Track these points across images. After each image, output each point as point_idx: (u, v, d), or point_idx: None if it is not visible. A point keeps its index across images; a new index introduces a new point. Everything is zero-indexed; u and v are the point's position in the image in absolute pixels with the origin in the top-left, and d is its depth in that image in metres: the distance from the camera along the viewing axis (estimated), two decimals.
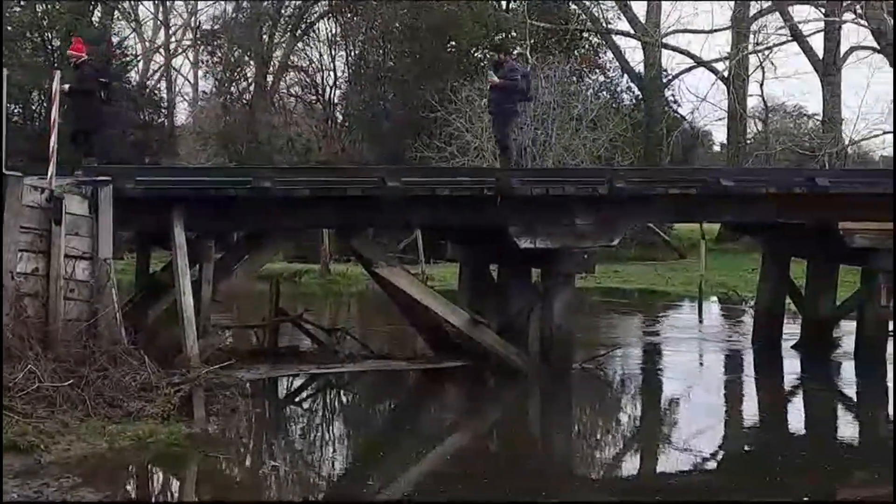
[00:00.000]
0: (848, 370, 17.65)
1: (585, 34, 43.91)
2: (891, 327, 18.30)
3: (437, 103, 35.89)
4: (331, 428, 14.25)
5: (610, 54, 45.77)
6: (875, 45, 38.31)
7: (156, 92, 48.91)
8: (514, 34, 39.98)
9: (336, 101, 45.45)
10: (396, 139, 38.78)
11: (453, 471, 11.51)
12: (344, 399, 16.17)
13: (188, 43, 51.94)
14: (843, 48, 42.63)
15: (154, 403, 11.92)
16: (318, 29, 45.88)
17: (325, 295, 29.20)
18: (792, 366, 18.35)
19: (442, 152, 34.96)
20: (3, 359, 11.43)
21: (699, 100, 45.11)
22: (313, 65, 45.92)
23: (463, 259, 18.08)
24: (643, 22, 44.16)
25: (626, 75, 46.07)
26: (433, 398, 15.96)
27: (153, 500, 10.27)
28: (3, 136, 12.31)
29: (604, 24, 44.80)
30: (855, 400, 16.18)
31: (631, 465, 12.75)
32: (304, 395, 15.98)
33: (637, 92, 46.17)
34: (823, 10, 41.03)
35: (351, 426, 14.25)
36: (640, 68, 45.36)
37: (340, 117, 45.51)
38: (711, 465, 12.14)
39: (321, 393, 16.11)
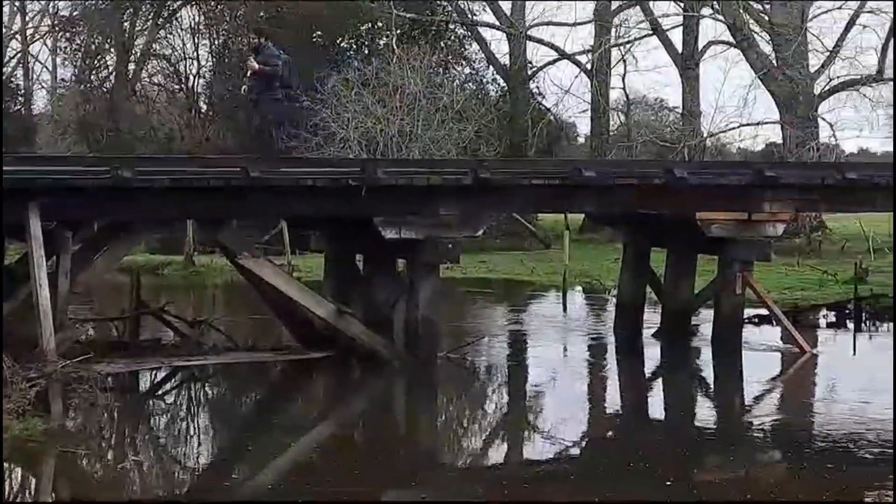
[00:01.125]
0: (706, 357, 18.11)
1: (451, 25, 44.06)
2: (745, 315, 18.89)
3: (303, 93, 35.60)
4: (195, 421, 14.09)
5: (476, 46, 46.06)
6: (731, 39, 39.23)
7: (12, 80, 47.54)
8: (380, 24, 39.97)
9: (200, 90, 44.82)
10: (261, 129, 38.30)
11: (320, 462, 11.49)
12: (208, 392, 15.98)
13: (46, 29, 50.60)
14: (702, 42, 43.65)
15: (9, 399, 11.62)
16: (181, 17, 45.15)
17: (188, 287, 28.78)
18: (652, 353, 18.74)
19: (307, 142, 34.73)
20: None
21: (563, 92, 45.50)
22: (176, 53, 45.22)
23: (328, 250, 18.01)
24: (508, 14, 44.52)
25: (491, 67, 46.42)
26: (299, 389, 15.91)
27: (8, 497, 10.00)
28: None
29: (469, 16, 45.05)
30: (712, 386, 16.61)
31: (497, 454, 12.86)
32: (166, 388, 15.74)
33: (503, 84, 46.55)
34: (682, 5, 41.90)
35: (216, 419, 14.10)
36: (505, 60, 45.75)
37: (204, 107, 44.88)
38: (575, 452, 12.33)
39: (184, 386, 15.88)
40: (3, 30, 40.85)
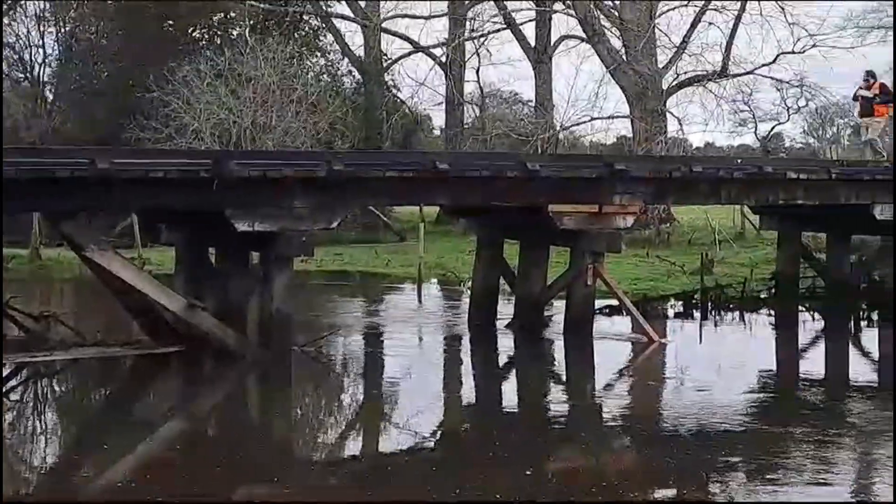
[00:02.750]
0: (558, 347, 18.38)
1: (306, 17, 43.79)
2: (596, 305, 19.25)
3: (154, 83, 34.98)
4: (42, 418, 13.70)
5: (330, 38, 45.86)
6: (583, 34, 39.82)
7: None
8: (233, 14, 39.47)
9: (46, 79, 43.61)
10: (111, 120, 37.60)
11: (173, 458, 11.31)
12: (56, 388, 15.59)
13: None
14: (554, 37, 44.20)
15: None
16: (26, 5, 43.85)
17: (35, 281, 27.97)
18: (506, 344, 18.94)
19: (159, 133, 34.14)
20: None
21: (418, 85, 45.66)
22: (21, 41, 43.90)
23: (180, 243, 17.68)
24: (363, 7, 44.43)
25: (346, 59, 46.30)
26: (150, 385, 15.62)
27: None
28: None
29: (324, 8, 44.82)
30: (564, 376, 16.87)
31: (353, 446, 12.85)
32: (11, 385, 15.27)
33: (357, 76, 46.48)
34: (535, 0, 42.39)
35: (63, 416, 13.76)
36: (360, 52, 45.66)
37: (51, 96, 43.70)
38: (432, 443, 12.39)
39: (30, 382, 15.43)
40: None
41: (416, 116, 51.81)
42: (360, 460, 11.76)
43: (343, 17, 45.73)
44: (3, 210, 13.95)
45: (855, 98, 24.94)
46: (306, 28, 44.13)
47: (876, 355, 18.83)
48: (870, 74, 24.87)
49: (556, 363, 17.88)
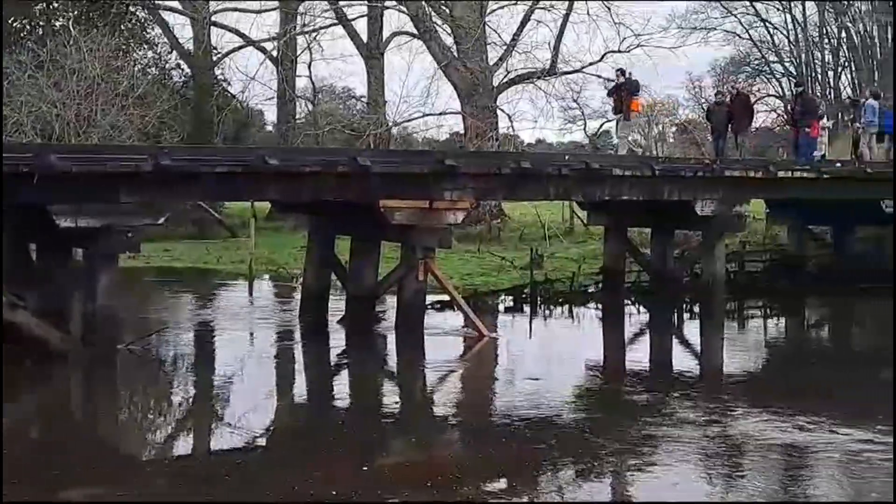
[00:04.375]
0: (390, 342, 18.42)
1: (132, 8, 42.79)
2: (428, 301, 19.38)
3: None
4: None
5: (158, 30, 44.95)
6: (414, 31, 39.98)
7: None
8: (55, 4, 38.32)
9: None
10: None
11: None
12: None
13: None
14: (386, 33, 44.26)
15: None
16: None
17: None
18: (338, 340, 18.88)
19: None
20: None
21: (249, 79, 45.07)
22: None
23: None
24: None
25: (175, 52, 45.44)
26: None
27: None
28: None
29: None
30: (395, 371, 16.91)
31: (183, 445, 12.61)
32: None
33: (187, 69, 45.66)
34: None
35: None
36: (189, 45, 44.87)
37: None
38: (266, 441, 12.25)
39: None
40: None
41: (248, 111, 51.19)
42: (192, 460, 11.54)
43: (171, 10, 44.90)
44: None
45: (609, 94, 25.68)
46: (133, 20, 43.08)
47: (697, 347, 19.46)
48: (620, 72, 25.80)
49: (387, 358, 17.90)
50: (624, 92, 24.65)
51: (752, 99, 33.13)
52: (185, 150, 21.48)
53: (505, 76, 39.98)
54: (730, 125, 26.10)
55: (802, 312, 24.42)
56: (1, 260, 16.41)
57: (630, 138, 24.83)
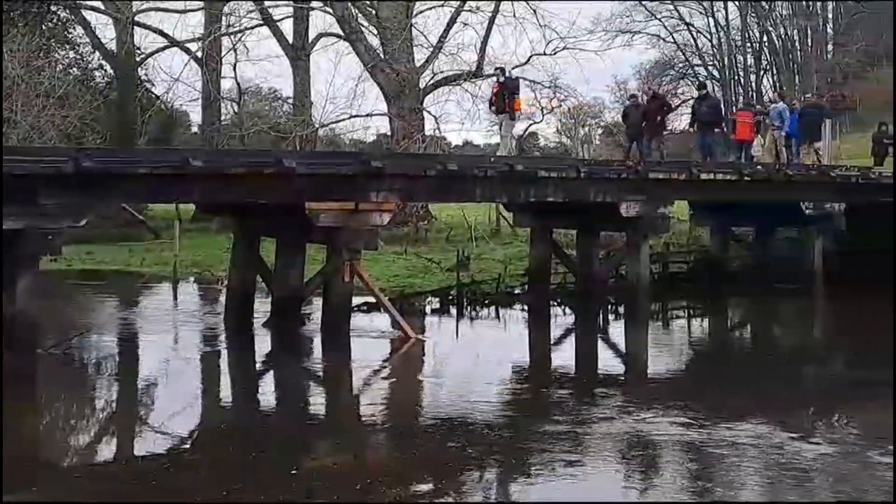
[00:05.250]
0: (316, 344, 18.35)
1: (53, 7, 42.20)
2: (354, 303, 19.34)
3: None
4: None
5: (80, 30, 44.36)
6: (341, 32, 39.88)
7: None
8: None
9: None
10: None
11: None
12: None
13: None
14: (312, 34, 44.10)
15: None
16: None
17: None
18: (263, 343, 18.77)
19: None
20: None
21: (173, 80, 44.65)
22: None
23: None
24: None
25: (97, 52, 44.88)
26: None
27: None
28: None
29: None
30: (321, 373, 16.85)
31: (107, 450, 12.44)
32: None
33: (109, 70, 45.14)
34: None
35: None
36: (112, 46, 44.34)
37: None
38: (191, 444, 12.15)
39: None
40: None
41: (172, 112, 50.73)
42: (117, 465, 11.38)
43: (93, 10, 44.33)
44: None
45: (493, 97, 25.70)
46: (54, 20, 42.52)
47: (623, 347, 19.63)
48: (500, 71, 26.04)
49: (313, 361, 17.82)
50: (506, 91, 24.55)
51: (673, 101, 33.52)
52: (108, 151, 21.24)
53: (431, 78, 40.05)
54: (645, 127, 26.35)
55: (725, 312, 24.76)
56: None
57: (511, 138, 24.66)
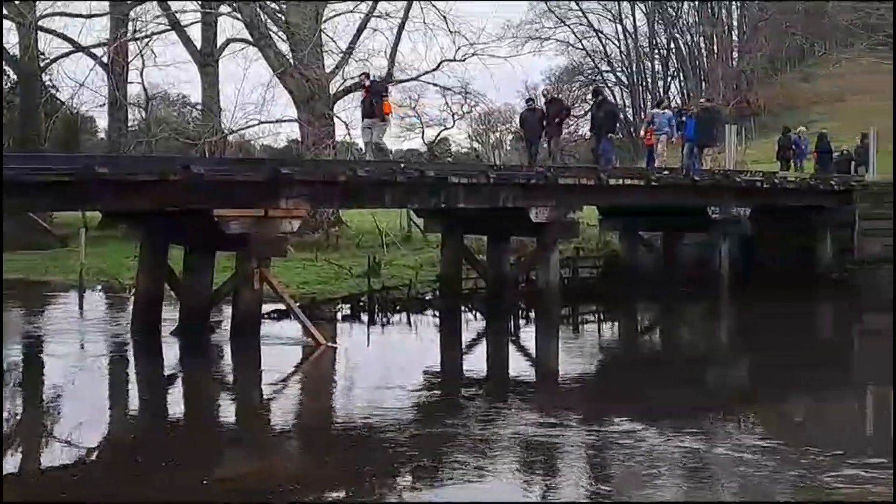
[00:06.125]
0: (226, 352, 18.20)
1: None
2: (264, 310, 19.22)
3: None
4: None
5: None
6: (249, 37, 39.61)
7: None
8: None
9: None
10: None
11: None
12: None
13: None
14: (221, 39, 43.72)
15: None
16: None
17: None
18: (172, 352, 18.54)
19: None
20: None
21: (78, 85, 43.97)
22: None
23: None
24: (17, 4, 42.36)
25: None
26: None
27: None
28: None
29: None
30: (231, 382, 16.71)
31: (11, 462, 12.16)
32: None
33: (13, 75, 44.34)
34: (200, 2, 41.80)
35: None
36: (15, 51, 43.57)
37: None
38: (96, 456, 11.95)
39: None
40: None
41: (78, 118, 49.96)
42: (20, 477, 11.16)
43: None
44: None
45: (361, 102, 25.54)
46: None
47: (533, 352, 19.77)
48: (365, 76, 26.10)
49: (223, 369, 17.68)
50: (374, 95, 24.41)
51: (583, 106, 33.58)
52: (11, 158, 20.84)
53: (342, 84, 39.96)
54: (544, 131, 26.44)
55: (633, 317, 25.06)
56: None
57: (374, 140, 24.45)
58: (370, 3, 39.68)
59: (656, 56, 76.07)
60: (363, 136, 25.10)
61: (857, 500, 9.95)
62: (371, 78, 25.85)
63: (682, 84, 73.89)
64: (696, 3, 71.31)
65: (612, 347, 21.11)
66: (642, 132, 28.44)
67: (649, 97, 71.46)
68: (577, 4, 73.28)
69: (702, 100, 34.03)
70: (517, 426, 12.61)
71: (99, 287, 28.15)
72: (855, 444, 11.82)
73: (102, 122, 54.03)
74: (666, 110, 29.09)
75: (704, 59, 72.01)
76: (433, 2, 41.84)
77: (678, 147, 28.96)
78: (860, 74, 54.02)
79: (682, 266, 27.29)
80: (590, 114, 27.55)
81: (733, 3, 72.66)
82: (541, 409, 13.56)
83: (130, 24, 43.50)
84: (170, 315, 19.73)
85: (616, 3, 73.63)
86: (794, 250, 27.98)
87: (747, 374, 17.55)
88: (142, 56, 46.24)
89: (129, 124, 47.98)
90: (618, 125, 29.48)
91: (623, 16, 74.49)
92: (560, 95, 42.16)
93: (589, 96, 69.74)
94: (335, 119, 39.54)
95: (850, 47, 47.82)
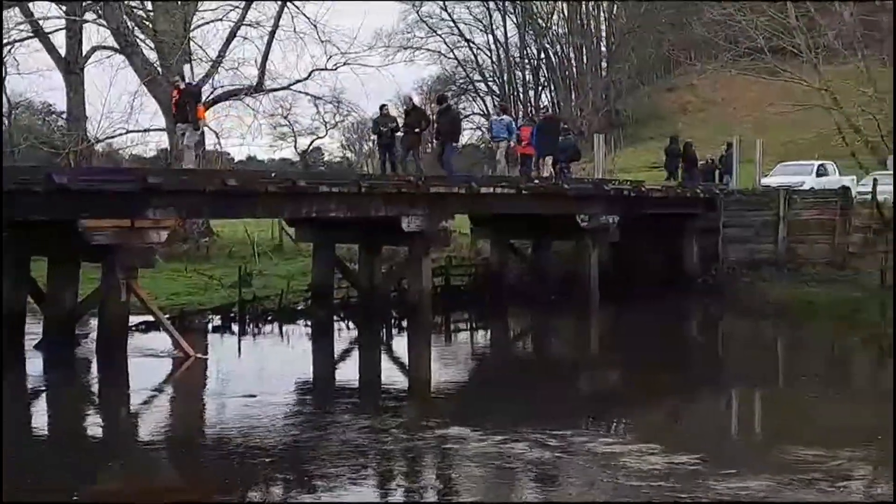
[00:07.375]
0: (92, 367, 17.82)
1: None
2: (133, 322, 18.89)
3: None
4: None
5: None
6: (116, 45, 38.90)
7: None
8: None
9: None
10: None
11: None
12: None
13: None
14: (86, 47, 42.80)
15: None
16: None
17: None
18: (35, 366, 18.04)
19: None
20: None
21: None
22: None
23: None
24: None
25: None
26: None
27: None
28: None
29: None
30: (98, 396, 16.36)
31: None
32: None
33: None
34: (65, 9, 40.89)
35: None
36: None
37: None
38: None
39: None
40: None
41: None
42: None
43: None
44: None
45: (174, 106, 25.32)
46: None
47: (405, 361, 19.80)
48: (179, 77, 26.08)
49: (90, 383, 17.30)
50: (189, 100, 24.06)
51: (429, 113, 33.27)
52: None
53: (211, 93, 39.44)
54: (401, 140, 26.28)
55: (503, 325, 25.28)
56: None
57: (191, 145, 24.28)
58: (240, 10, 39.31)
59: (527, 66, 76.95)
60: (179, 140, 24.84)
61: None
62: (186, 82, 25.44)
63: (553, 94, 74.85)
64: (566, 13, 72.31)
65: (483, 355, 21.27)
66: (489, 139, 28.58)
67: (521, 107, 72.27)
68: (449, 14, 73.80)
69: (542, 110, 34.39)
70: (387, 435, 12.65)
71: None
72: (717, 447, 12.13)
73: None
74: (504, 116, 29.27)
75: (574, 70, 73.04)
76: (304, 7, 41.55)
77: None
78: (723, 85, 55.43)
79: (552, 273, 27.60)
80: (436, 121, 27.27)
81: (601, 13, 73.90)
82: (412, 418, 13.59)
83: None
84: (33, 328, 19.26)
85: (487, 13, 74.37)
86: (662, 256, 28.55)
87: (618, 378, 17.86)
88: (4, 64, 45.09)
89: None
90: (461, 133, 29.45)
91: (494, 26, 75.23)
92: (423, 105, 42.24)
93: (462, 105, 70.64)
94: (205, 128, 39.01)
95: (715, 59, 49.11)
